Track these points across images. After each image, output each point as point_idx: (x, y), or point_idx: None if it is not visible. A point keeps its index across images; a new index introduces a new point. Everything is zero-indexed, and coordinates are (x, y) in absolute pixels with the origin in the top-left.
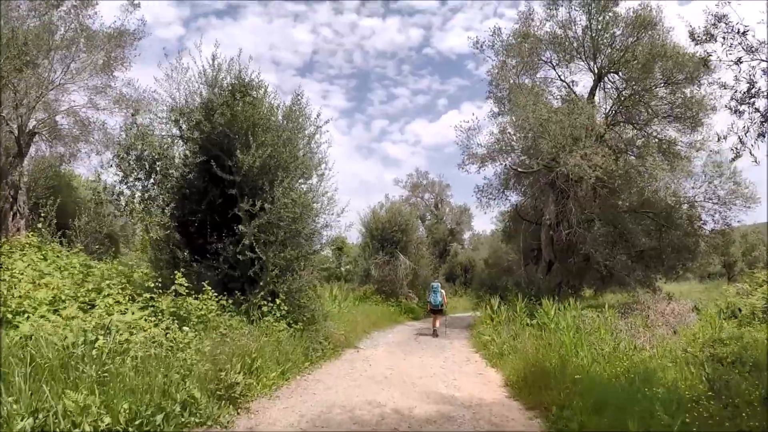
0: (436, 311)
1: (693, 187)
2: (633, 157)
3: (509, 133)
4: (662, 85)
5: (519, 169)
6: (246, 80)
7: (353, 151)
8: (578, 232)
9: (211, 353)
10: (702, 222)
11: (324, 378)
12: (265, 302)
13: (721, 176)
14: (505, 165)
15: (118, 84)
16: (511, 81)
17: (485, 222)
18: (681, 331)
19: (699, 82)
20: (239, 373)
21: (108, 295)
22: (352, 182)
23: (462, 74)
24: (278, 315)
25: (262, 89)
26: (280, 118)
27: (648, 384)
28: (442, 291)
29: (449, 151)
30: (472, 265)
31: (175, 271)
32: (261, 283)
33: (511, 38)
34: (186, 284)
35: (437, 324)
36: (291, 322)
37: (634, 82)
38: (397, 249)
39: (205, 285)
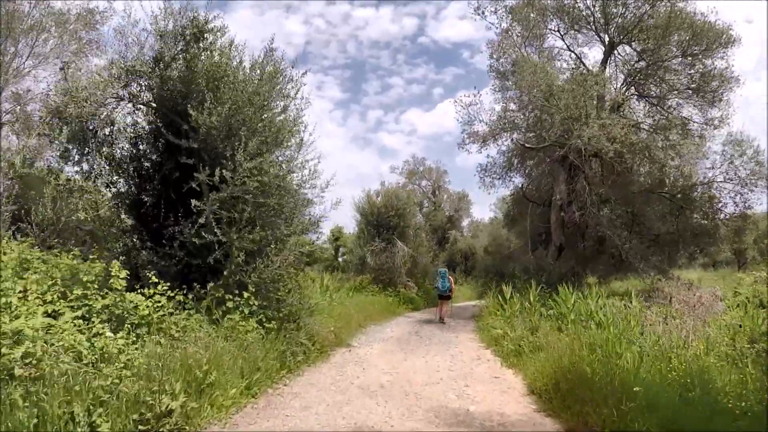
0: (444, 297)
1: (712, 167)
2: (647, 133)
3: (513, 108)
4: (679, 56)
5: (527, 145)
6: (202, 22)
7: (349, 143)
8: (592, 213)
9: (148, 367)
10: (722, 204)
11: (303, 391)
12: (231, 296)
13: (742, 156)
14: (512, 140)
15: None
16: (516, 49)
17: (484, 209)
18: (713, 322)
19: (721, 53)
20: (179, 393)
21: (22, 293)
22: (349, 173)
23: (457, 63)
24: (246, 312)
25: (223, 35)
26: (247, 71)
27: (710, 392)
28: (450, 277)
29: (446, 141)
30: (472, 253)
31: (114, 261)
32: (225, 273)
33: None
34: (126, 276)
35: (444, 311)
36: (263, 319)
37: (648, 54)
38: (394, 235)
39: (151, 275)
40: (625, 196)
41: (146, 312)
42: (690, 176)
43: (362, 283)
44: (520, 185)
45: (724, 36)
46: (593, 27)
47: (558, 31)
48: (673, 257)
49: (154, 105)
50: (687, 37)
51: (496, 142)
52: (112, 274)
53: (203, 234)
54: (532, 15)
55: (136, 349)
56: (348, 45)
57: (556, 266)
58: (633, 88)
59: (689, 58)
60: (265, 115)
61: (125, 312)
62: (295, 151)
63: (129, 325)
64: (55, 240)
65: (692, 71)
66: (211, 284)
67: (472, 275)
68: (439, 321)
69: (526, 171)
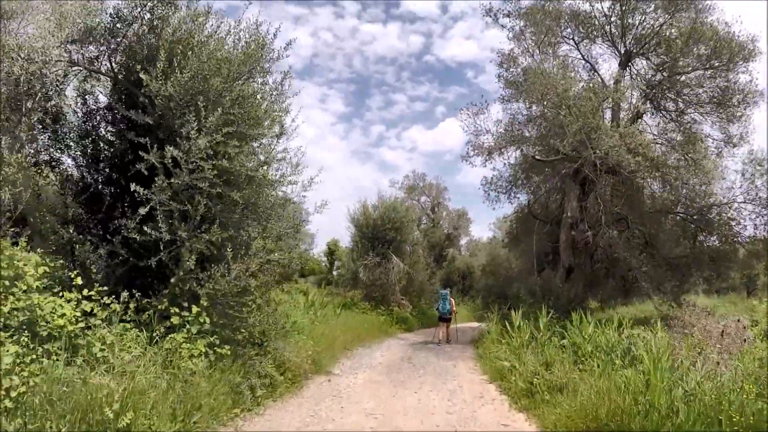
0: (444, 320)
1: (731, 187)
2: (662, 150)
3: (522, 120)
4: (700, 69)
5: (537, 157)
6: None
7: (350, 156)
8: (606, 233)
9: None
10: (741, 226)
11: None
12: (177, 310)
13: (763, 175)
14: (521, 151)
15: None
16: (528, 56)
17: (483, 229)
18: (746, 355)
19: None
20: None
21: None
22: (349, 187)
23: (461, 83)
24: (194, 331)
25: None
26: (222, 37)
27: None
28: (452, 299)
29: (447, 159)
30: (470, 272)
31: (33, 254)
32: (172, 280)
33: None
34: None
35: (442, 334)
36: (217, 342)
37: (665, 68)
38: (390, 249)
39: (75, 276)
40: (638, 217)
41: (61, 322)
42: (707, 196)
43: (354, 300)
44: (526, 201)
45: (747, 49)
46: (609, 37)
47: (572, 38)
48: (686, 282)
49: (112, 74)
50: (708, 51)
51: (502, 156)
52: (25, 270)
53: (146, 229)
54: (546, 21)
55: (36, 373)
56: (354, 59)
57: (564, 289)
58: (649, 102)
59: (709, 71)
60: (237, 89)
61: (38, 320)
62: (274, 139)
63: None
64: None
65: (712, 85)
66: (164, 292)
67: (469, 295)
68: (439, 343)
69: (532, 188)
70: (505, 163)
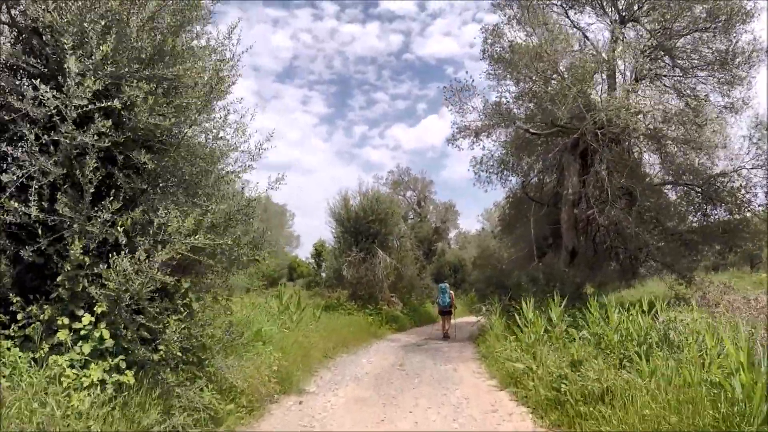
0: (446, 312)
1: (739, 154)
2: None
3: (510, 96)
4: (696, 31)
5: (531, 130)
6: None
7: (334, 158)
8: (613, 209)
9: None
10: (752, 194)
11: None
12: (65, 320)
13: None
14: (512, 129)
15: None
16: (516, 22)
17: (471, 221)
18: None
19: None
20: None
21: None
22: (333, 189)
23: (442, 79)
24: (87, 350)
25: None
26: None
27: None
28: (451, 292)
29: (430, 156)
30: (461, 265)
31: None
32: (59, 278)
33: None
34: None
35: (447, 326)
36: (122, 364)
37: (660, 33)
38: (375, 244)
39: None
40: (643, 190)
41: None
42: (711, 165)
43: (339, 300)
44: (518, 185)
45: (745, 9)
46: (599, 2)
47: (561, 5)
48: (695, 258)
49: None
50: (704, 13)
51: (491, 137)
52: None
53: (17, 206)
54: None
55: None
56: (334, 60)
57: (569, 275)
58: (647, 66)
59: (706, 34)
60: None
61: None
62: (207, 93)
63: None
64: None
65: (711, 48)
66: (51, 297)
67: (462, 288)
68: (443, 338)
69: (525, 168)
70: (496, 142)
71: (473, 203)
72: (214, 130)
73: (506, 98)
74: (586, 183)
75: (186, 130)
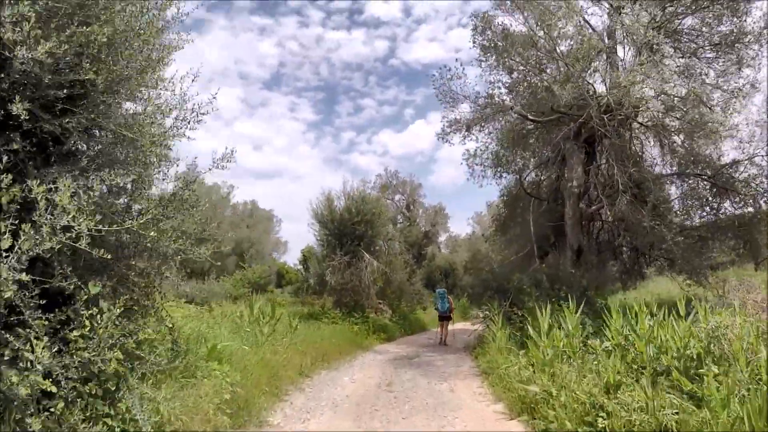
0: (444, 318)
1: (751, 140)
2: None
3: (504, 87)
4: (700, 11)
5: (530, 117)
6: None
7: (322, 164)
8: (622, 201)
9: None
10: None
11: None
12: None
13: None
14: (512, 111)
15: None
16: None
17: (461, 226)
18: None
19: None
20: None
21: None
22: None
23: (428, 84)
24: None
25: None
26: None
27: None
28: (449, 297)
29: (418, 161)
30: (453, 269)
31: None
32: None
33: None
34: None
35: (444, 332)
36: None
37: (662, 13)
38: (361, 246)
39: None
40: (653, 179)
41: None
42: (719, 155)
43: (323, 308)
44: (516, 179)
45: None
46: None
47: None
48: (709, 255)
49: None
50: None
51: (484, 131)
52: None
53: None
54: None
55: None
56: (321, 67)
57: (577, 276)
58: (645, 53)
59: (711, 14)
60: None
61: None
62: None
63: None
64: None
65: (716, 27)
66: None
67: (454, 293)
68: (440, 343)
69: (521, 163)
70: (490, 134)
71: (463, 207)
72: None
73: (499, 89)
74: (590, 174)
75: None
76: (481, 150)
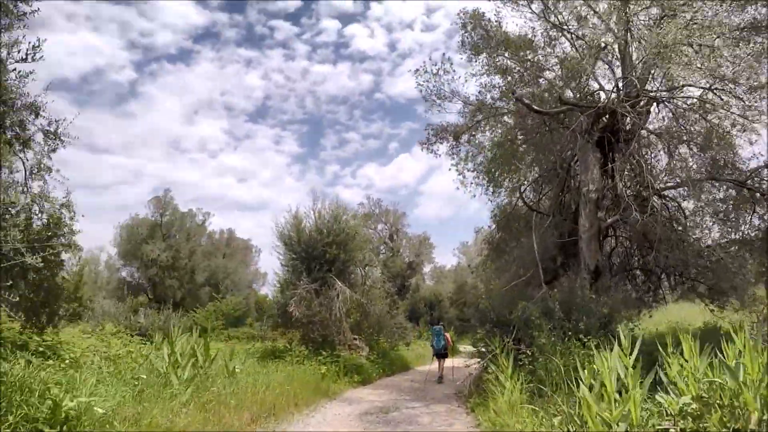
0: (440, 356)
1: None
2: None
3: (496, 92)
4: None
5: (535, 108)
6: None
7: (306, 197)
8: (652, 208)
9: None
10: None
11: None
12: None
13: None
14: (514, 94)
15: None
16: None
17: (447, 257)
18: None
19: None
20: None
21: None
22: None
23: (412, 118)
24: None
25: None
26: None
27: None
28: (446, 334)
29: (402, 194)
30: (438, 301)
31: None
32: None
33: None
34: None
35: (438, 370)
36: None
37: None
38: (332, 273)
39: None
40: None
41: None
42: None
43: (290, 345)
44: (515, 192)
45: None
46: None
47: None
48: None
49: None
50: None
51: (474, 140)
52: None
53: None
54: None
55: None
56: (306, 100)
57: (599, 303)
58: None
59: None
60: None
61: None
62: None
63: None
64: None
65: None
66: None
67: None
68: (437, 381)
69: (516, 180)
70: (482, 144)
71: (448, 241)
72: None
73: (491, 92)
74: (608, 177)
75: None
76: (473, 154)
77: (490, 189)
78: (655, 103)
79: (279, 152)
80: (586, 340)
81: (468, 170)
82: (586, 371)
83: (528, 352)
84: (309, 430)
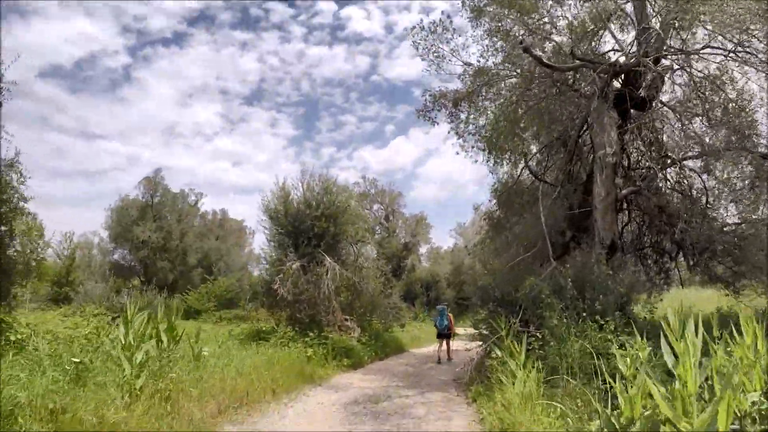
0: (443, 336)
1: None
2: None
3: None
4: None
5: (545, 61)
6: None
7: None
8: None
9: None
10: None
11: None
12: None
13: None
14: (522, 44)
15: None
16: None
17: (444, 237)
18: None
19: None
20: None
21: None
22: None
23: (409, 101)
24: None
25: None
26: None
27: None
28: (450, 315)
29: (398, 177)
30: (435, 281)
31: None
32: None
33: None
34: None
35: (445, 349)
36: None
37: None
38: (321, 248)
39: None
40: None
41: None
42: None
43: (278, 326)
44: (519, 162)
45: None
46: None
47: None
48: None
49: None
50: None
51: (474, 104)
52: None
53: None
54: None
55: None
56: (302, 83)
57: (617, 280)
58: None
59: None
60: None
61: None
62: None
63: None
64: None
65: None
66: None
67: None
68: (438, 362)
69: (521, 149)
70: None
71: (445, 224)
72: None
73: (495, 56)
74: (624, 141)
75: None
76: (474, 117)
77: (491, 160)
78: (669, 73)
79: (275, 135)
80: (603, 322)
81: (469, 133)
82: (628, 360)
83: (538, 334)
84: (281, 424)
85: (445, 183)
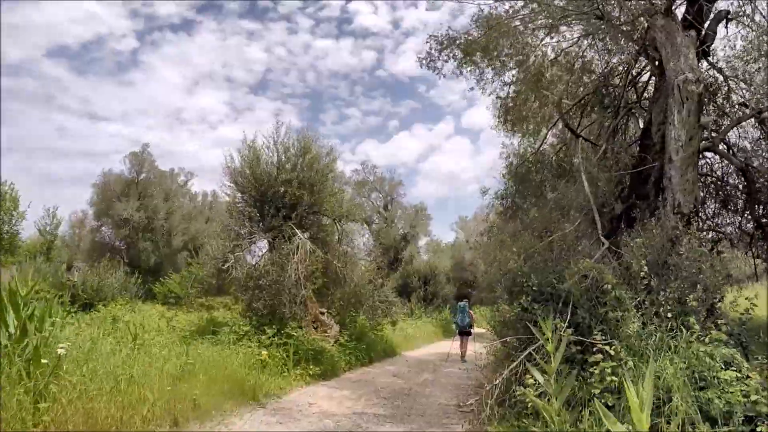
0: (464, 333)
1: None
2: None
3: None
4: None
5: None
6: None
7: None
8: None
9: None
10: None
11: None
12: None
13: None
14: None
15: None
16: None
17: (444, 234)
18: None
19: None
20: None
21: None
22: None
23: (414, 97)
24: None
25: None
26: None
27: None
28: (471, 311)
29: (401, 172)
30: (434, 275)
31: None
32: None
33: None
34: None
35: (463, 348)
36: None
37: None
38: (291, 221)
39: None
40: None
41: None
42: None
43: (235, 317)
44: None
45: None
46: None
47: None
48: None
49: None
50: None
51: (488, 57)
52: None
53: None
54: None
55: None
56: (307, 74)
57: (711, 261)
58: None
59: None
60: None
61: None
62: None
63: None
64: None
65: None
66: None
67: (434, 304)
68: (461, 360)
69: (548, 113)
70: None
71: (446, 221)
72: None
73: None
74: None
75: None
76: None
77: (508, 127)
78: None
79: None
80: (696, 328)
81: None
82: None
83: (608, 351)
84: None
85: (446, 180)
